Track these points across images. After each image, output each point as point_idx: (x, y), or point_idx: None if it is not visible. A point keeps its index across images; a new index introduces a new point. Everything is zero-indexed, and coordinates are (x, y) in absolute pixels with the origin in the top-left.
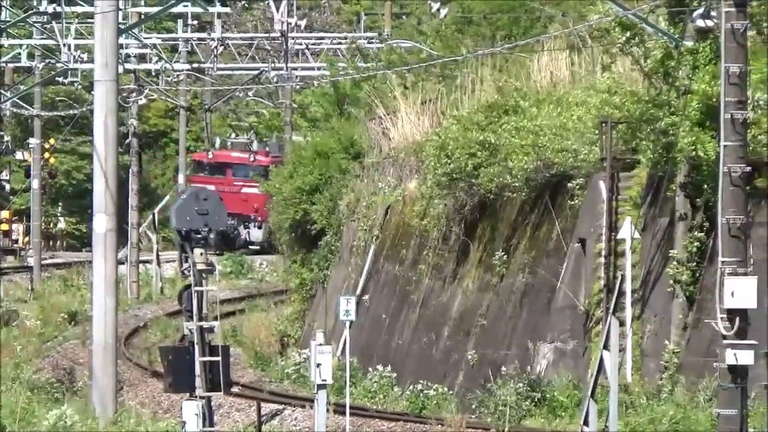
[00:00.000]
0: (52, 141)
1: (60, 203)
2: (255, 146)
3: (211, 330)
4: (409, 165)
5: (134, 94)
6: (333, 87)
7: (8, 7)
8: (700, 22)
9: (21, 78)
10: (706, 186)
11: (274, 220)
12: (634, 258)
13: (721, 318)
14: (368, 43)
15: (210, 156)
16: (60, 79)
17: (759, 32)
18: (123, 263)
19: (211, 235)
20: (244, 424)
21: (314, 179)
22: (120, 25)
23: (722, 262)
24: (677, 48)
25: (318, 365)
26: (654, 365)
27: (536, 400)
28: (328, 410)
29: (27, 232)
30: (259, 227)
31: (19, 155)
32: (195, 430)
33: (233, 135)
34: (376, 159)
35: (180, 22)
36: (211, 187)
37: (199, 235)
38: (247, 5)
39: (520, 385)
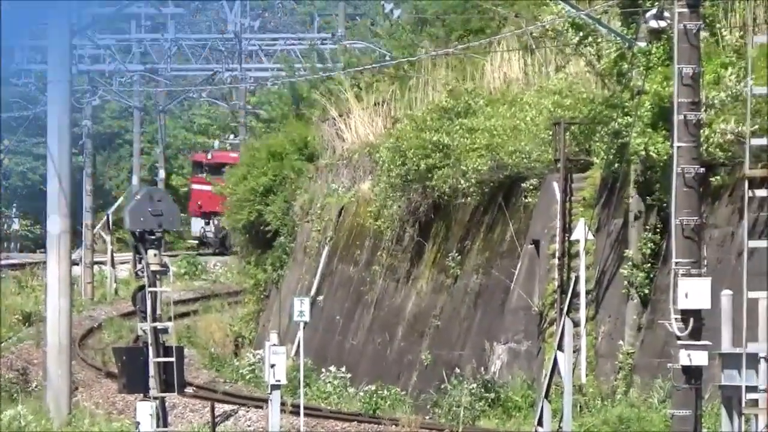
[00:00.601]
0: (6, 142)
1: (14, 204)
2: None
3: (165, 331)
4: (362, 166)
5: (88, 95)
6: (290, 88)
7: None
8: (653, 23)
9: None
10: (658, 186)
11: (228, 221)
12: (588, 259)
13: (675, 319)
14: (322, 43)
15: (209, 157)
16: (13, 80)
17: (712, 33)
18: (77, 264)
19: (209, 234)
20: (199, 424)
21: (268, 180)
22: (73, 26)
23: (676, 263)
24: (630, 49)
25: (272, 366)
26: (608, 366)
27: (490, 400)
28: (282, 411)
29: None
30: None
31: None
32: (149, 431)
33: (231, 136)
34: (329, 160)
35: (133, 23)
36: (210, 188)
37: (153, 236)
38: (200, 6)
39: (474, 385)
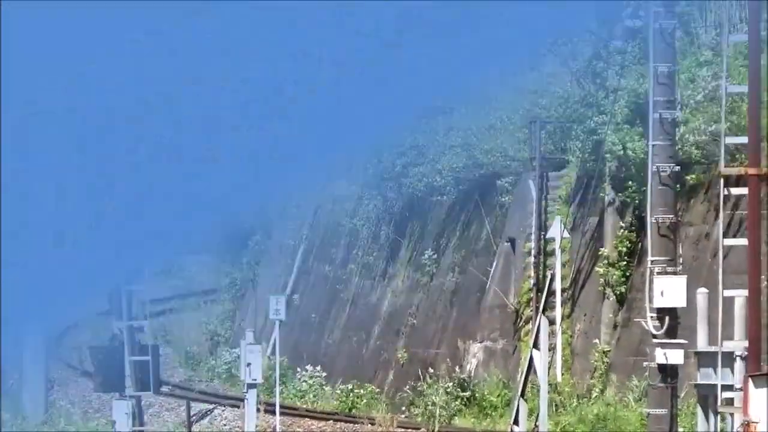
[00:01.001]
0: None
1: None
2: None
3: (140, 329)
4: (338, 164)
5: None
6: None
7: None
8: (629, 22)
9: None
10: (633, 182)
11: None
12: (564, 257)
13: (651, 317)
14: None
15: None
16: None
17: (687, 32)
18: None
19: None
20: (174, 423)
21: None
22: None
23: (651, 261)
24: (606, 47)
25: (248, 365)
26: (584, 364)
27: (466, 399)
28: (258, 409)
29: None
30: None
31: None
32: (125, 430)
33: None
34: None
35: None
36: None
37: None
38: None
39: (450, 384)
